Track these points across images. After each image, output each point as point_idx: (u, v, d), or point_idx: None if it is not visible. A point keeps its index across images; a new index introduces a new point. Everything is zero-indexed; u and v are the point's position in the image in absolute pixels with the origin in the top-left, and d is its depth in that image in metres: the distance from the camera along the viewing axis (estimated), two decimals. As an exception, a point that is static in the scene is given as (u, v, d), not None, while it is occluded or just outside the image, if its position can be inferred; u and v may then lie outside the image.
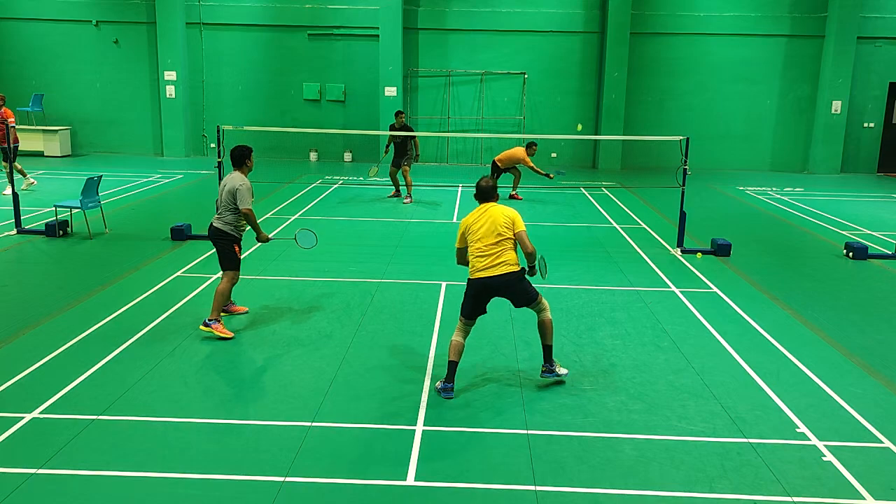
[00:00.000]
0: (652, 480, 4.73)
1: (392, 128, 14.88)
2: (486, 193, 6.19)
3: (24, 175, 14.82)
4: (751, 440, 5.27)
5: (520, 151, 14.78)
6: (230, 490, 4.52)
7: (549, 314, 6.16)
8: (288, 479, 4.65)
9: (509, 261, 5.98)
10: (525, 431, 5.33)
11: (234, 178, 7.19)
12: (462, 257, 6.25)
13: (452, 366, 5.98)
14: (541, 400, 5.86)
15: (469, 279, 6.07)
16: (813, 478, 4.79)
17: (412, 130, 14.78)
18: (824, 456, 5.07)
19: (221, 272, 7.31)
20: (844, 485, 4.72)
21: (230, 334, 7.07)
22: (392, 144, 14.78)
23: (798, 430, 5.44)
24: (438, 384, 6.03)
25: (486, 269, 5.96)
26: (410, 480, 4.67)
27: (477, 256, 6.01)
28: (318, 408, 5.63)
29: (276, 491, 4.51)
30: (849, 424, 5.56)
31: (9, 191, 12.91)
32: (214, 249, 7.39)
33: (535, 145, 15.11)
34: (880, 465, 4.99)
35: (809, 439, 5.30)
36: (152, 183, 16.33)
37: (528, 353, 6.82)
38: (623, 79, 20.47)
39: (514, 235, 6.02)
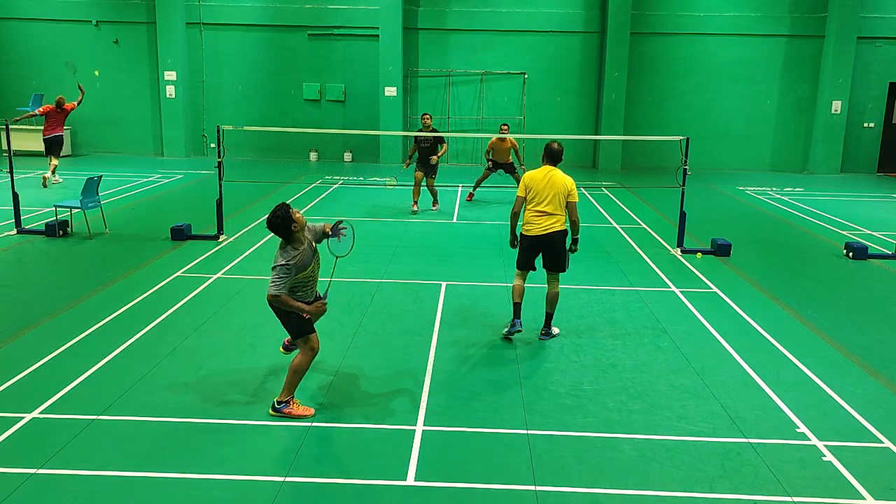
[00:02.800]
0: (652, 480, 4.73)
1: (419, 132, 13.55)
2: (554, 156, 7.02)
3: (54, 173, 15.57)
4: (751, 440, 5.27)
5: (508, 142, 14.15)
6: (230, 490, 4.52)
7: (558, 289, 7.19)
8: (288, 479, 4.65)
9: (559, 222, 6.95)
10: (525, 431, 5.33)
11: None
12: (519, 206, 7.06)
13: (516, 306, 7.09)
14: (541, 400, 5.86)
15: (522, 234, 7.06)
16: (813, 478, 4.79)
17: (440, 133, 13.71)
18: (824, 456, 5.07)
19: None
20: (844, 485, 4.72)
21: (310, 412, 5.57)
22: (418, 149, 13.56)
23: (798, 430, 5.44)
24: (506, 328, 7.17)
25: (540, 227, 6.93)
26: (410, 480, 4.67)
27: (534, 215, 6.94)
28: (319, 408, 5.63)
29: (276, 491, 4.51)
30: (849, 424, 5.56)
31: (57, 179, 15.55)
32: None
33: (505, 126, 14.31)
34: (880, 465, 4.99)
35: (809, 439, 5.30)
36: (152, 183, 16.34)
37: (528, 353, 6.82)
38: (623, 79, 20.47)
39: (567, 203, 6.93)
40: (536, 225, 6.93)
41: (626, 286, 9.11)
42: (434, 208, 14.08)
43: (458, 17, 20.81)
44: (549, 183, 6.91)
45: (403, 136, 19.94)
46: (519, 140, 20.65)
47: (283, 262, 5.33)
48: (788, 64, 20.96)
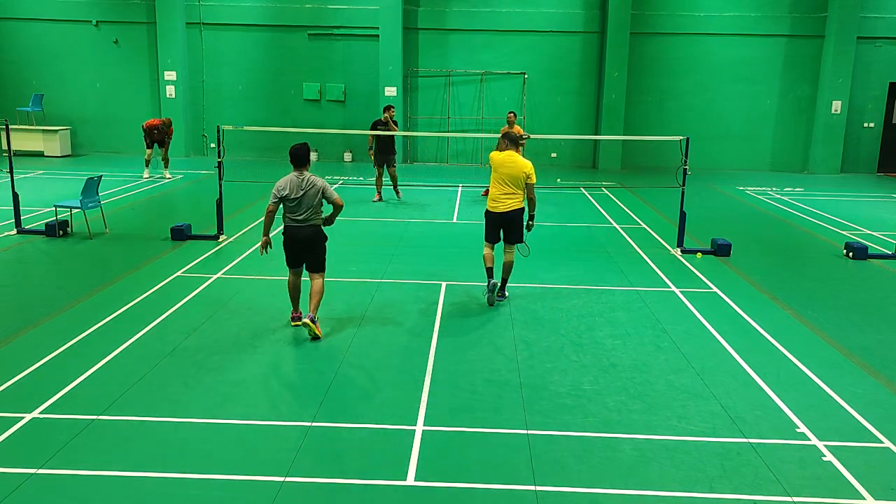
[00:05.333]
0: (652, 480, 4.72)
1: (379, 123, 14.29)
2: (514, 140, 8.15)
3: (147, 166, 17.09)
4: (751, 440, 5.27)
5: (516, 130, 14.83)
6: (230, 490, 4.52)
7: (513, 258, 8.31)
8: (288, 479, 4.65)
9: (518, 200, 8.03)
10: (525, 431, 5.33)
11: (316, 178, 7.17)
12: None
13: (489, 270, 8.24)
14: (541, 400, 5.86)
15: (488, 210, 8.16)
16: (813, 478, 4.80)
17: (397, 127, 14.54)
18: (824, 456, 5.07)
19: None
20: (844, 485, 4.72)
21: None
22: (376, 141, 14.29)
23: (798, 430, 5.44)
24: (486, 294, 8.19)
25: (504, 206, 8.00)
26: (410, 480, 4.67)
27: (497, 192, 8.03)
28: (318, 408, 5.63)
29: (276, 491, 4.51)
30: (849, 424, 5.56)
31: (168, 175, 17.12)
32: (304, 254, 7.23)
33: (512, 114, 15.16)
34: (880, 465, 4.99)
35: (809, 439, 5.30)
36: (152, 183, 16.34)
37: (528, 353, 6.82)
38: (623, 79, 20.47)
39: (526, 185, 7.99)
40: (501, 203, 8.02)
41: (626, 286, 9.11)
42: (399, 198, 14.81)
43: (458, 17, 20.81)
44: (510, 164, 7.95)
45: (403, 135, 19.93)
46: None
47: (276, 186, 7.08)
48: (788, 64, 20.95)
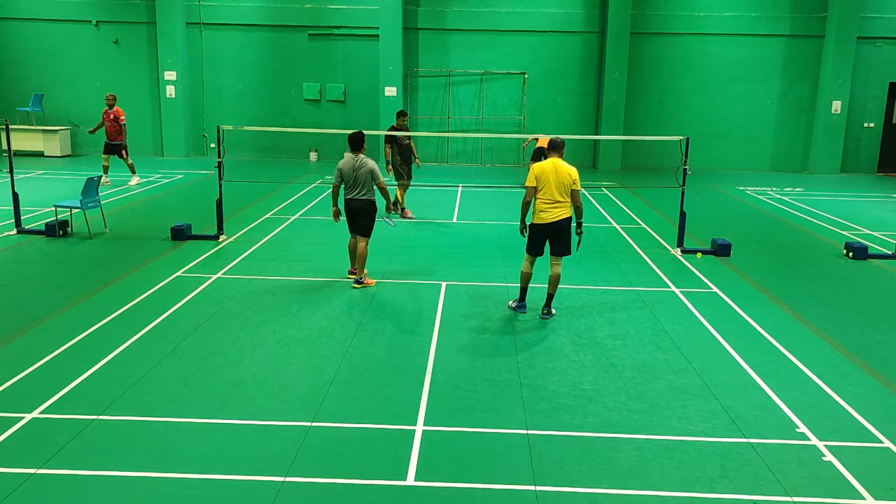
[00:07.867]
0: (652, 480, 4.72)
1: (395, 130, 12.92)
2: (559, 147, 7.72)
3: (132, 172, 16.16)
4: (751, 440, 5.27)
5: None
6: (230, 490, 4.52)
7: (560, 271, 7.83)
8: (288, 479, 4.65)
9: (567, 209, 7.66)
10: (525, 431, 5.33)
11: (368, 161, 8.60)
12: (530, 195, 7.73)
13: (523, 291, 7.96)
14: (541, 400, 5.86)
15: (533, 223, 7.74)
16: (813, 478, 4.79)
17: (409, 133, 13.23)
18: (824, 456, 5.07)
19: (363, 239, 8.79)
20: (844, 485, 4.72)
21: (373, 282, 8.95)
22: (395, 149, 12.97)
23: (798, 430, 5.44)
24: (512, 303, 8.05)
25: (552, 215, 7.60)
26: (410, 480, 4.67)
27: (544, 203, 7.61)
28: (318, 408, 5.63)
29: (276, 491, 4.51)
30: (849, 424, 5.56)
31: (135, 181, 16.00)
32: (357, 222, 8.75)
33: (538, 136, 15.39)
34: (880, 465, 4.99)
35: (809, 439, 5.30)
36: (152, 183, 16.33)
37: (528, 353, 6.82)
38: (623, 79, 20.48)
39: (572, 192, 7.62)
40: (549, 213, 7.62)
41: (626, 286, 9.11)
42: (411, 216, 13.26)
43: (458, 17, 20.82)
44: (557, 173, 7.57)
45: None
46: (519, 140, 20.70)
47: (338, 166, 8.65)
48: (788, 64, 20.96)
